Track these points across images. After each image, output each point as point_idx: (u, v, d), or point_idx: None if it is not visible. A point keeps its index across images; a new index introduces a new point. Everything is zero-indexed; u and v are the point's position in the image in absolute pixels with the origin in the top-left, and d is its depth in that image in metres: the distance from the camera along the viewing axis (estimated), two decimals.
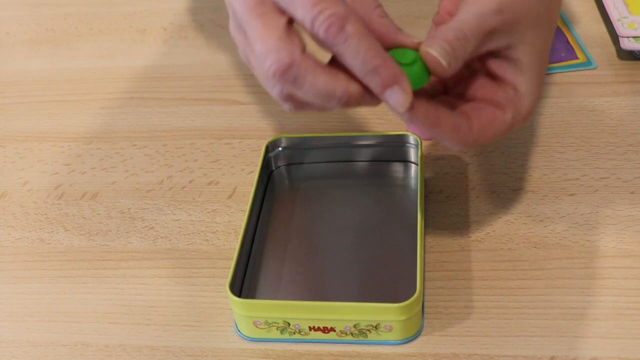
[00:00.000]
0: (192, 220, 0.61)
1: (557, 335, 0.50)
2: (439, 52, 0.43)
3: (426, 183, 0.61)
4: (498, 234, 0.57)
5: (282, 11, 0.41)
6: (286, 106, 0.44)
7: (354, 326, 0.49)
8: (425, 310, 0.52)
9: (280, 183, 0.63)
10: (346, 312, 0.49)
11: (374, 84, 0.41)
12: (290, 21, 0.42)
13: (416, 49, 0.44)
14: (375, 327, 0.49)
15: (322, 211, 0.59)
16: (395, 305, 0.48)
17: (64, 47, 0.85)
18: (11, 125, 0.74)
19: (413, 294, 0.48)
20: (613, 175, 0.60)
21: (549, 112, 0.67)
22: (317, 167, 0.63)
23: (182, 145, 0.69)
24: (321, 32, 0.40)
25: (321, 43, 0.41)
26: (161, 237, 0.60)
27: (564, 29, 0.76)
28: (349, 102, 0.42)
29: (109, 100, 0.75)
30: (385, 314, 0.48)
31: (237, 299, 0.50)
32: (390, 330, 0.49)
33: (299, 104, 0.44)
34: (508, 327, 0.50)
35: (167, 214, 0.62)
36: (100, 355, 0.52)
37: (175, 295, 0.55)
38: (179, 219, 0.61)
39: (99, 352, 0.52)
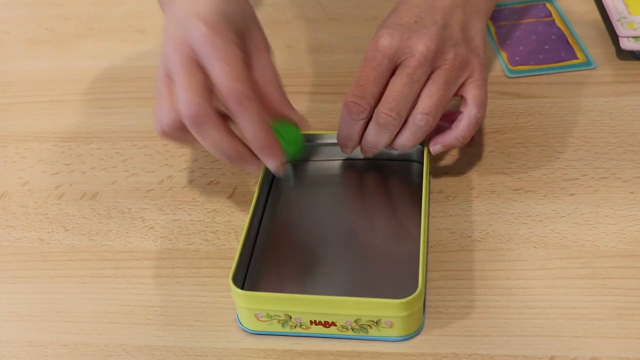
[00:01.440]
0: (192, 220, 0.61)
1: (557, 335, 0.50)
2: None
3: None
4: (498, 234, 0.57)
5: (204, 71, 0.51)
6: (165, 137, 0.55)
7: (355, 321, 0.50)
8: (426, 309, 0.52)
9: (285, 179, 0.63)
10: (348, 307, 0.49)
11: (255, 147, 0.53)
12: (208, 79, 0.52)
13: (297, 123, 0.56)
14: (376, 322, 0.49)
15: (326, 208, 0.59)
16: (397, 301, 0.48)
17: (64, 47, 0.85)
18: (11, 125, 0.74)
19: (415, 290, 0.48)
20: (613, 175, 0.60)
21: (549, 112, 0.67)
22: (322, 164, 0.63)
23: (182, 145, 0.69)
24: (231, 102, 0.50)
25: (226, 108, 0.51)
26: (161, 237, 0.60)
27: (564, 29, 0.76)
28: (237, 160, 0.53)
29: (109, 100, 0.75)
30: (387, 309, 0.49)
31: (239, 291, 0.50)
32: (391, 327, 0.50)
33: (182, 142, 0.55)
34: (508, 327, 0.50)
35: (167, 213, 0.62)
36: (100, 355, 0.52)
37: (175, 295, 0.55)
38: (179, 219, 0.61)
39: (99, 352, 0.52)
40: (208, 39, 0.51)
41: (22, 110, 0.76)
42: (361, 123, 0.57)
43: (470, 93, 0.57)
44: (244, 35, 0.55)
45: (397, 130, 0.57)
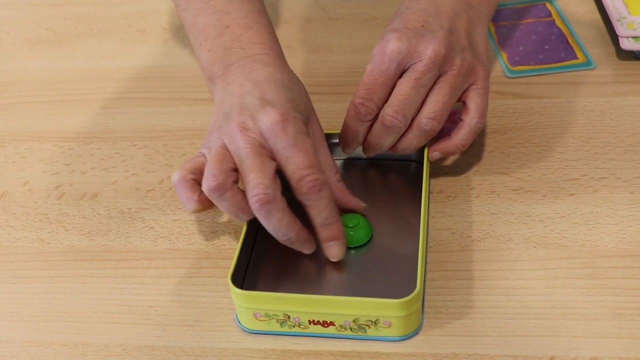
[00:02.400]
0: (192, 220, 0.61)
1: (557, 335, 0.50)
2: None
3: None
4: (498, 234, 0.57)
5: (274, 158, 0.52)
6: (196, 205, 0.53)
7: (353, 321, 0.50)
8: (426, 310, 0.52)
9: (284, 179, 0.63)
10: (346, 307, 0.49)
11: (323, 235, 0.53)
12: (277, 167, 0.52)
13: (360, 212, 0.57)
14: (375, 322, 0.49)
15: None
16: (395, 301, 0.48)
17: (64, 47, 0.85)
18: (11, 125, 0.74)
19: (413, 290, 0.48)
20: (613, 175, 0.60)
21: (549, 112, 0.67)
22: None
23: (182, 145, 0.69)
24: (304, 189, 0.51)
25: (298, 194, 0.51)
26: (161, 237, 0.60)
27: (564, 29, 0.76)
28: (296, 241, 0.53)
29: (109, 100, 0.75)
30: (385, 309, 0.49)
31: (238, 290, 0.50)
32: (390, 326, 0.50)
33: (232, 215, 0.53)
34: (508, 327, 0.50)
35: (167, 214, 0.62)
36: (100, 355, 0.52)
37: (175, 295, 0.55)
38: (179, 219, 0.61)
39: (99, 352, 0.52)
40: (281, 127, 0.51)
41: (22, 110, 0.76)
42: (367, 124, 0.58)
43: (473, 101, 0.58)
44: (307, 123, 0.55)
45: (402, 132, 0.57)
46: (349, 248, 0.55)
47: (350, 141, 0.59)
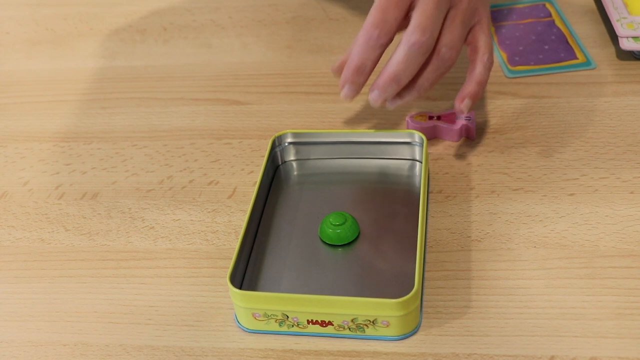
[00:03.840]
0: (192, 220, 0.61)
1: (557, 335, 0.50)
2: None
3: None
4: (498, 234, 0.57)
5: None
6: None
7: (352, 321, 0.50)
8: (425, 309, 0.52)
9: (286, 178, 0.63)
10: (344, 307, 0.49)
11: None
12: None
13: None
14: (373, 322, 0.49)
15: (325, 207, 0.59)
16: (393, 300, 0.48)
17: (64, 47, 0.85)
18: (11, 125, 0.74)
19: (411, 290, 0.49)
20: (612, 175, 0.60)
21: (549, 112, 0.67)
22: (322, 162, 0.63)
23: (182, 145, 0.69)
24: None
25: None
26: (161, 237, 0.60)
27: (563, 29, 0.76)
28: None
29: (109, 100, 0.75)
30: (383, 309, 0.49)
31: (237, 290, 0.50)
32: (388, 326, 0.50)
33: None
34: (508, 327, 0.50)
35: (168, 213, 0.62)
36: (100, 355, 0.52)
37: (175, 295, 0.55)
38: (179, 219, 0.61)
39: (99, 352, 0.52)
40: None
41: (22, 110, 0.76)
42: (378, 52, 0.56)
43: (481, 39, 0.60)
44: None
45: (426, 57, 0.56)
46: (337, 246, 0.56)
47: (356, 73, 0.57)
